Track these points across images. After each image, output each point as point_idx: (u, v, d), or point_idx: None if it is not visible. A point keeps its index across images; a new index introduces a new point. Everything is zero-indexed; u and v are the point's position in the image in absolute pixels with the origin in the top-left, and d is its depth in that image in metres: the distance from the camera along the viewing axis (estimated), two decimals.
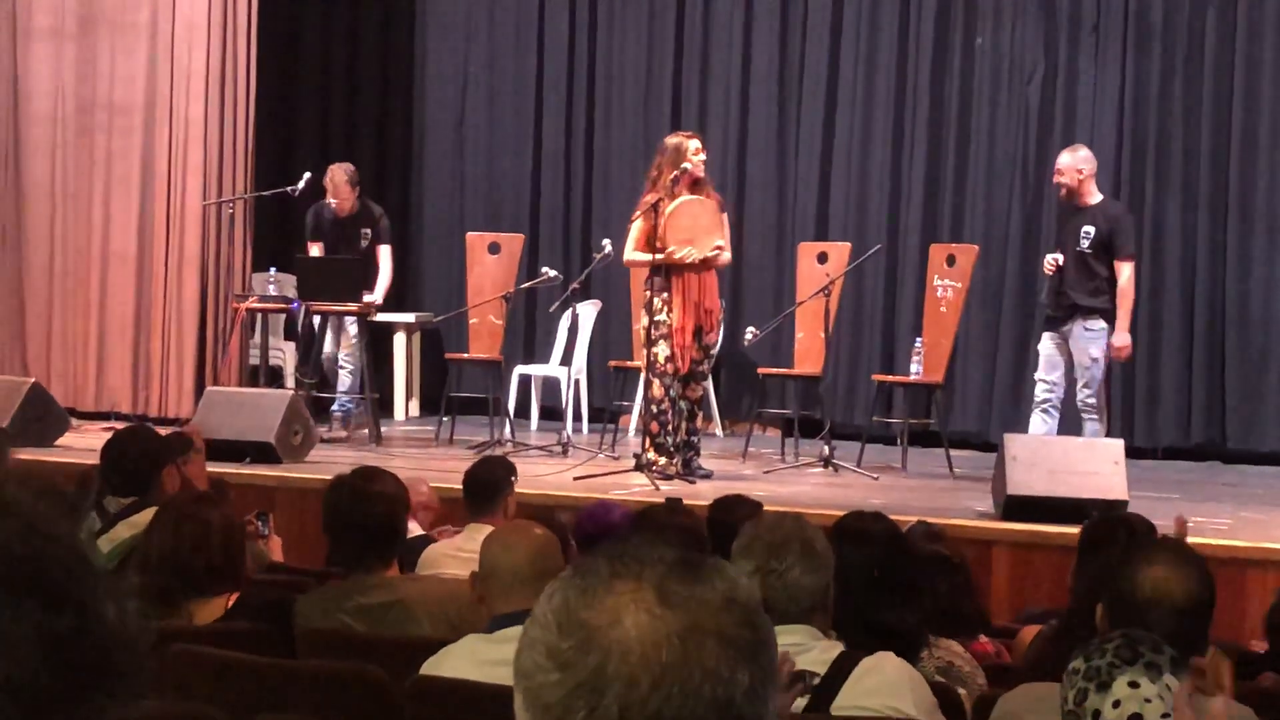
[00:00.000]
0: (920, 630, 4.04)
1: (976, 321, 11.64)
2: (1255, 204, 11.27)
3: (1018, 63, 11.80)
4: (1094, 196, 9.51)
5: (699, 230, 9.17)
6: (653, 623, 1.29)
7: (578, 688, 1.27)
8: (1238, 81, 11.28)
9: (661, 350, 9.19)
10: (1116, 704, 2.76)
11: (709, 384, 10.18)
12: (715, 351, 9.42)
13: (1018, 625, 5.93)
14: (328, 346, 11.13)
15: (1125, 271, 9.38)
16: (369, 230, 11.17)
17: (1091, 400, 9.39)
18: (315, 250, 11.18)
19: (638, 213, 9.29)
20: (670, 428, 9.20)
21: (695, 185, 9.26)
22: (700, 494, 8.56)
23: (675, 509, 5.61)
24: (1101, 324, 9.35)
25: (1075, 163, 9.51)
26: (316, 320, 11.03)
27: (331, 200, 11.13)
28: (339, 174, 11.14)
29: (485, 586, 4.01)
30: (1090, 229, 9.38)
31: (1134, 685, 2.77)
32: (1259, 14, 11.25)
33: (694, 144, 9.28)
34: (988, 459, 9.17)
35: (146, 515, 4.89)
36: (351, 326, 10.99)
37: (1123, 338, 9.38)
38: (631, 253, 9.34)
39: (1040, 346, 9.69)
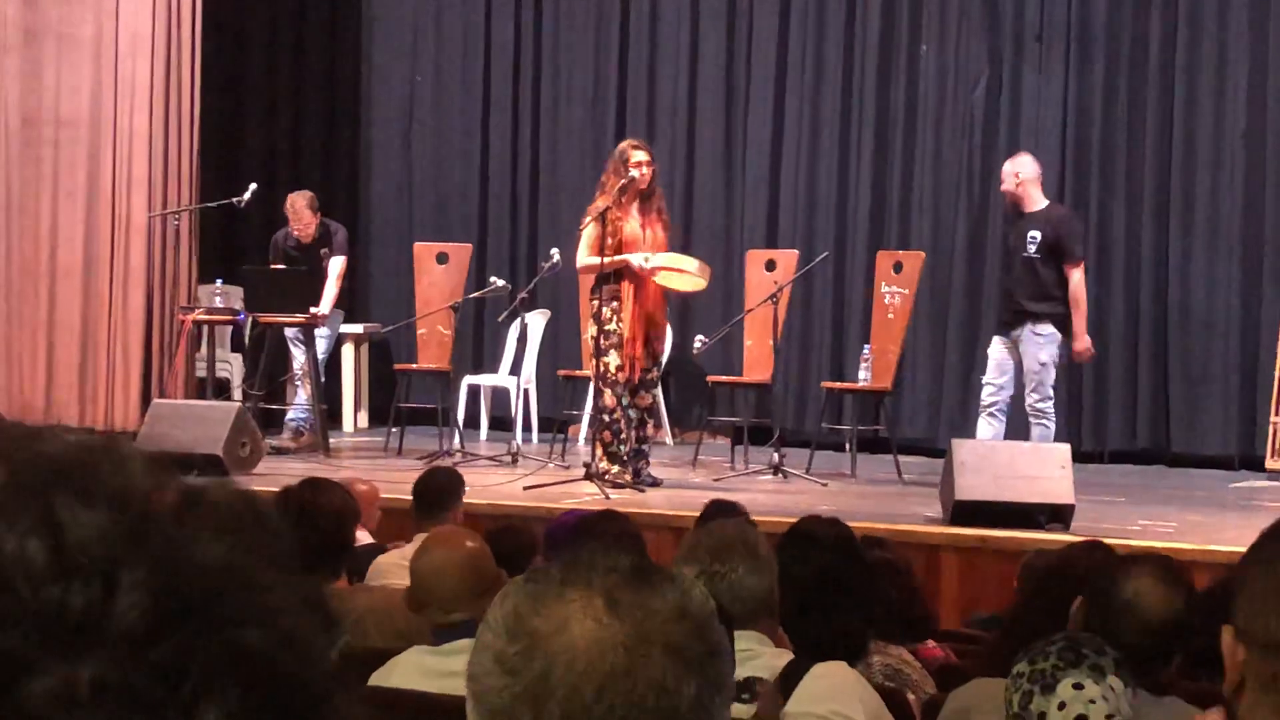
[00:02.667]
0: (866, 635, 4.05)
1: (924, 328, 11.67)
2: (1197, 209, 11.35)
3: (963, 71, 11.86)
4: (1038, 202, 9.56)
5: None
6: (599, 631, 1.29)
7: (522, 693, 1.27)
8: (1179, 89, 11.37)
9: (612, 360, 9.17)
10: (1062, 705, 2.78)
11: (659, 392, 10.18)
12: (664, 359, 9.42)
13: (966, 630, 5.97)
14: (300, 358, 11.02)
15: (1075, 276, 9.42)
16: (328, 249, 11.07)
17: (1041, 405, 9.43)
18: None
19: (587, 219, 9.28)
20: (623, 436, 9.20)
21: (645, 198, 9.22)
22: (649, 502, 8.59)
23: (612, 517, 5.63)
24: (1050, 329, 9.38)
25: (1012, 169, 9.60)
26: (289, 334, 10.94)
27: (293, 228, 11.01)
28: (299, 201, 10.96)
29: (414, 597, 4.03)
30: (1036, 234, 9.41)
31: (1078, 687, 2.79)
32: (1200, 22, 11.33)
33: (639, 154, 9.19)
34: (936, 465, 9.20)
35: None
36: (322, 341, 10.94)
37: (1082, 341, 9.44)
38: (585, 259, 9.28)
39: (990, 350, 9.72)
